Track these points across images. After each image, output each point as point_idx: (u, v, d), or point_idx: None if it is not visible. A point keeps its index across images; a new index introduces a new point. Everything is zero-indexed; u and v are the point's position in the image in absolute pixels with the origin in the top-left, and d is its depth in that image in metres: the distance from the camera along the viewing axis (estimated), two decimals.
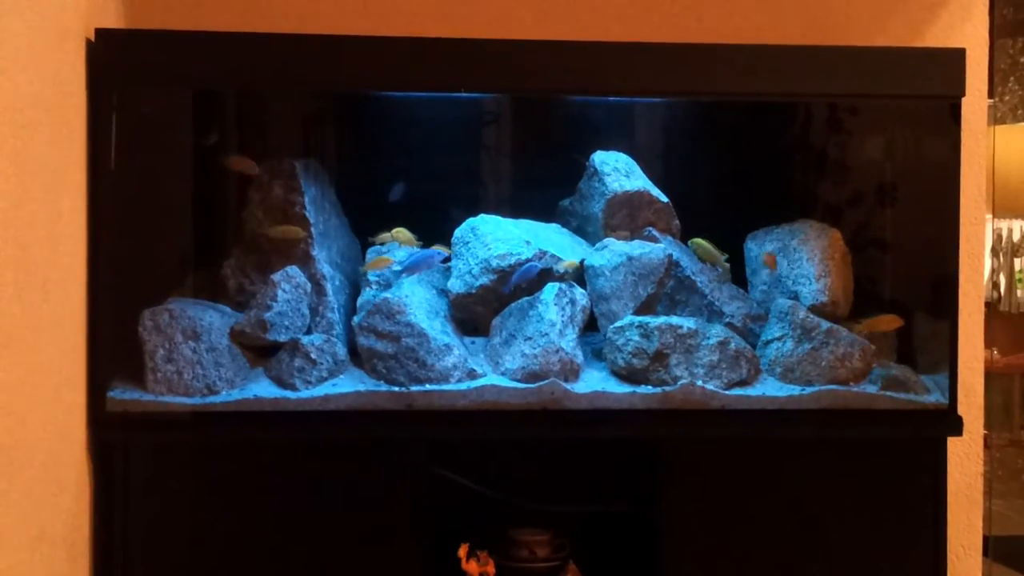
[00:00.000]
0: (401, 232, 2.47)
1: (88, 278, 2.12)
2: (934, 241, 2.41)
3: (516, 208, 2.60)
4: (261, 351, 2.33)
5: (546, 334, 2.30)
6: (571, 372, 2.31)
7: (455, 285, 2.45)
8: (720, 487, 2.31)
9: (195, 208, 2.46)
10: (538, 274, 2.40)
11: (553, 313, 2.32)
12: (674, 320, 2.36)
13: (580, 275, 2.47)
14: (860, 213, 2.66)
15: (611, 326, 2.37)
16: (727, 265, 2.54)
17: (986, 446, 2.78)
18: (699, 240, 2.53)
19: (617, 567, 2.43)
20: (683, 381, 2.30)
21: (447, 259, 2.47)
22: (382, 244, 2.49)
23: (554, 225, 2.63)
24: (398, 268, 2.37)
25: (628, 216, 2.57)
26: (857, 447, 2.33)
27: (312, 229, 2.39)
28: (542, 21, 2.64)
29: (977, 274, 2.73)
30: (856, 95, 2.44)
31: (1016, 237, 5.93)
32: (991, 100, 2.84)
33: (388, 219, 2.48)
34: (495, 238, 2.45)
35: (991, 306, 5.69)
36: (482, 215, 2.52)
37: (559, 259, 2.43)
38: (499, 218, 2.52)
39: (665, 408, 2.28)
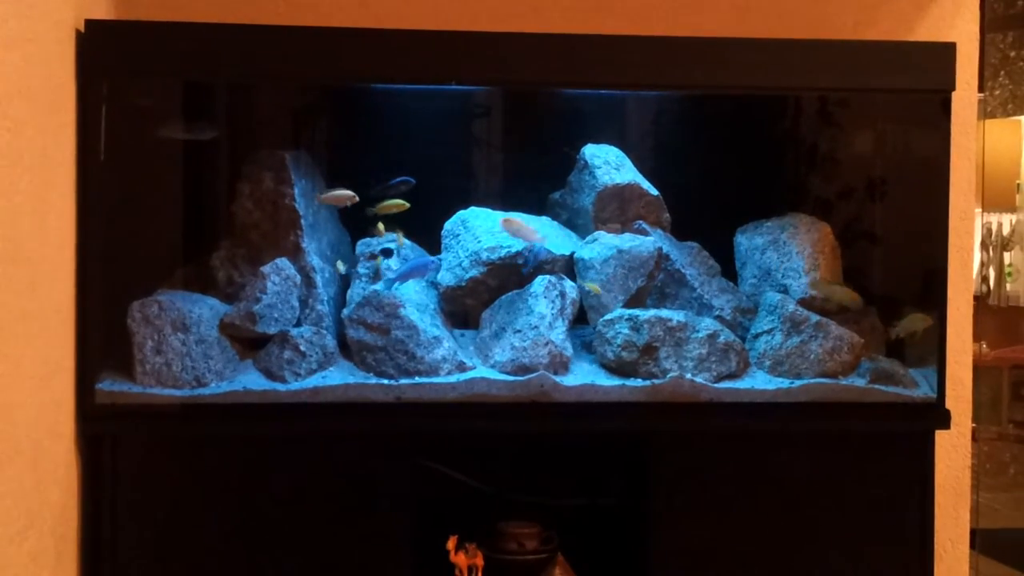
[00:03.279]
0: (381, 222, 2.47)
1: (77, 270, 2.11)
2: (923, 235, 2.42)
3: (506, 201, 2.60)
4: (250, 343, 2.33)
5: (536, 327, 2.31)
6: (560, 365, 2.31)
7: (445, 278, 2.45)
8: (709, 479, 2.31)
9: (184, 200, 2.45)
10: (549, 260, 2.42)
11: (543, 306, 2.33)
12: (664, 313, 2.36)
13: (570, 268, 2.47)
14: (850, 207, 2.66)
15: (601, 319, 2.38)
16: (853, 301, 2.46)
17: (974, 439, 2.80)
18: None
19: (606, 559, 2.44)
20: (672, 374, 2.30)
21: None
22: (372, 237, 2.48)
23: (544, 218, 2.63)
24: (392, 276, 2.37)
25: (618, 209, 2.57)
26: (846, 440, 2.34)
27: (302, 221, 2.38)
28: (533, 14, 2.64)
29: (966, 268, 2.74)
30: (846, 89, 2.44)
31: (1005, 231, 5.94)
32: (981, 94, 2.84)
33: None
34: (485, 231, 2.45)
35: (980, 300, 5.69)
36: (472, 208, 2.52)
37: (551, 252, 2.43)
38: (489, 211, 2.52)
39: (654, 401, 2.29)
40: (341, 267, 2.44)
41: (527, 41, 2.27)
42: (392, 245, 2.44)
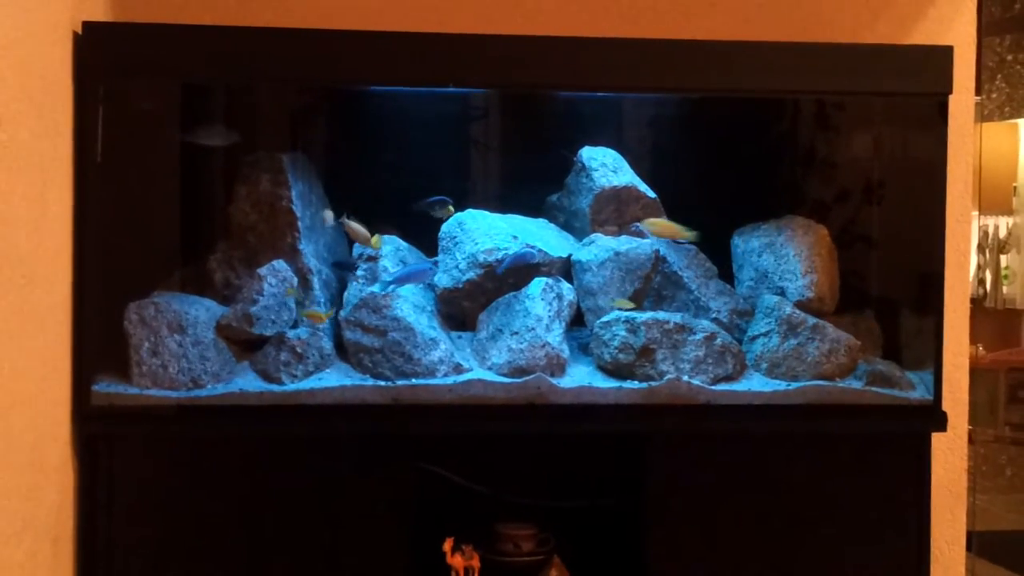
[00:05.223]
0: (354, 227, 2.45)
1: (74, 271, 2.11)
2: (920, 237, 2.42)
3: (504, 203, 2.60)
4: (247, 345, 2.33)
5: (533, 329, 2.31)
6: (557, 367, 2.31)
7: (442, 280, 2.45)
8: (705, 482, 2.32)
9: (181, 201, 2.45)
10: (533, 264, 2.41)
11: (540, 308, 2.33)
12: (661, 315, 2.36)
13: (567, 270, 2.47)
14: (847, 209, 2.66)
15: (598, 321, 2.38)
16: (689, 234, 2.48)
17: (970, 442, 2.80)
18: (655, 220, 2.50)
19: (602, 561, 2.44)
20: (669, 376, 2.30)
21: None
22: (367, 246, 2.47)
23: (542, 220, 2.63)
24: (388, 279, 2.37)
25: (616, 211, 2.57)
26: (842, 442, 2.34)
27: (299, 223, 2.38)
28: (531, 16, 2.64)
29: (963, 270, 2.74)
30: (844, 92, 2.45)
31: (1002, 234, 5.94)
32: (978, 98, 2.84)
33: (375, 214, 2.47)
34: (482, 233, 2.45)
35: (977, 302, 5.70)
36: (469, 210, 2.52)
37: (548, 254, 2.43)
38: (486, 213, 2.52)
39: (651, 403, 2.29)
40: (329, 217, 2.43)
41: (524, 43, 2.28)
42: (370, 251, 2.44)
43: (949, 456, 2.72)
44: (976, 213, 2.90)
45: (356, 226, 2.42)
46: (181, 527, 2.22)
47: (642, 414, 2.29)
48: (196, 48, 2.19)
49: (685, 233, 2.46)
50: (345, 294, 2.40)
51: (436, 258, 2.50)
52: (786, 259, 2.49)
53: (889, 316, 2.54)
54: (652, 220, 2.48)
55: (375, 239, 2.44)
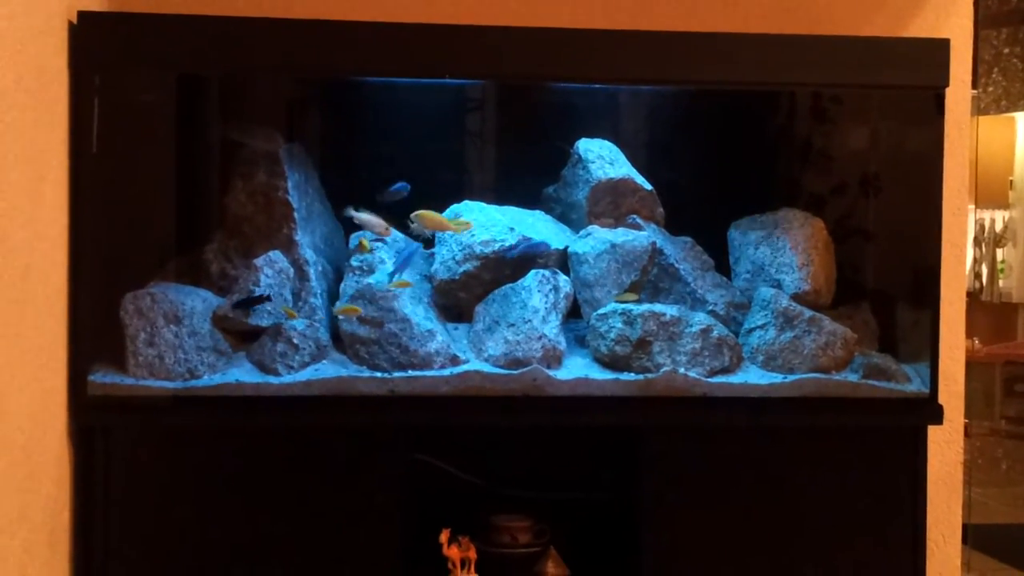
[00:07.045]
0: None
1: (69, 262, 2.11)
2: (917, 231, 2.42)
3: (500, 195, 2.60)
4: (243, 336, 2.33)
5: (529, 320, 2.30)
6: (554, 359, 2.31)
7: (438, 271, 2.45)
8: (701, 474, 2.32)
9: (177, 192, 2.45)
10: (544, 254, 2.41)
11: (536, 300, 2.33)
12: (657, 308, 2.36)
13: (564, 262, 2.47)
14: (843, 202, 2.66)
15: (594, 313, 2.38)
16: (458, 228, 2.44)
17: (966, 435, 2.80)
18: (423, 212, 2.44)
19: (598, 553, 2.44)
20: (665, 368, 2.30)
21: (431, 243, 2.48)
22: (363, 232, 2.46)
23: (538, 212, 2.63)
24: (391, 269, 2.36)
25: (612, 204, 2.57)
26: (838, 435, 2.34)
27: (295, 214, 2.38)
28: (527, 8, 2.63)
29: (959, 264, 2.74)
30: (841, 85, 2.44)
31: (998, 227, 5.95)
32: (975, 91, 2.84)
33: (372, 205, 2.46)
34: (479, 224, 2.45)
35: (973, 296, 5.71)
36: (466, 201, 2.51)
37: (547, 246, 2.43)
38: (483, 204, 2.51)
39: (647, 395, 2.29)
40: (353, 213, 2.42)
41: (520, 35, 2.27)
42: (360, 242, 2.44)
43: (945, 449, 2.72)
44: (972, 207, 2.90)
45: (367, 217, 2.40)
46: (176, 517, 2.22)
47: (638, 406, 2.29)
48: (191, 38, 2.19)
49: (453, 226, 2.42)
50: (341, 286, 2.39)
51: (432, 249, 2.50)
52: (783, 252, 2.49)
53: (885, 309, 2.54)
54: (420, 212, 2.42)
55: (364, 243, 2.41)
